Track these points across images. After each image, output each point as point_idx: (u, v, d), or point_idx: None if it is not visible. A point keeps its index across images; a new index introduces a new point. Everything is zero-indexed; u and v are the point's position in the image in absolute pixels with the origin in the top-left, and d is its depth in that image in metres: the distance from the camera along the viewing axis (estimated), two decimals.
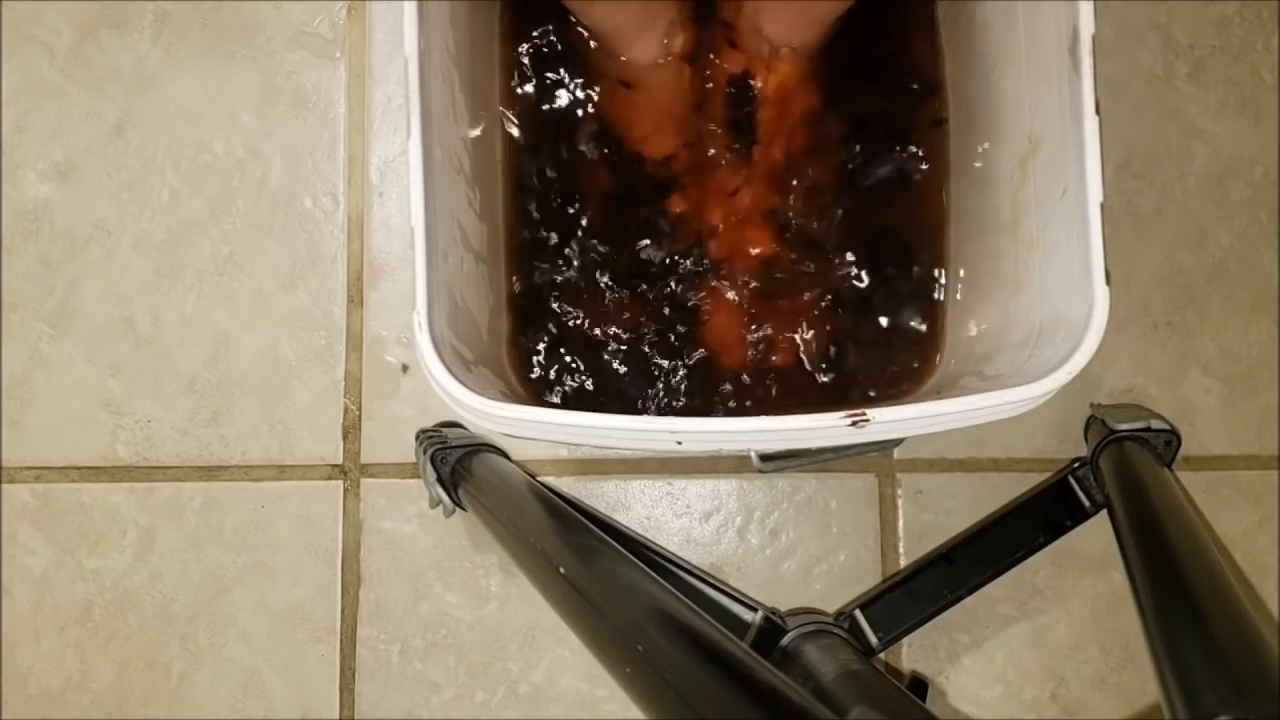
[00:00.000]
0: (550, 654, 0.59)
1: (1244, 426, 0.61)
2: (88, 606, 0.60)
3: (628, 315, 0.56)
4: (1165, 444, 0.55)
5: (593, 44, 0.55)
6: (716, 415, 0.54)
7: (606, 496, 0.60)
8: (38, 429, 0.60)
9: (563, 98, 0.57)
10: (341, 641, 0.59)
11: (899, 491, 0.60)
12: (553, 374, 0.55)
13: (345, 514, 0.60)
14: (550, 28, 0.55)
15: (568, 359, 0.55)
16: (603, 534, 0.43)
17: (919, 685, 0.58)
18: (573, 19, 0.55)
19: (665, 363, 0.55)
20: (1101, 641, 0.60)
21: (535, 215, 0.56)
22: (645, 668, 0.32)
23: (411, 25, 0.42)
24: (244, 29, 0.61)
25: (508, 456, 0.58)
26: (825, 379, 0.55)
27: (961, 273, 0.55)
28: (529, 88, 0.57)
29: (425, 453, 0.54)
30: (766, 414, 0.40)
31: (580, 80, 0.56)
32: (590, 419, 0.40)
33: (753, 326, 0.56)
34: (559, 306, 0.56)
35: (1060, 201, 0.43)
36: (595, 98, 0.56)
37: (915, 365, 0.55)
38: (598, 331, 0.55)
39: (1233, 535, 0.60)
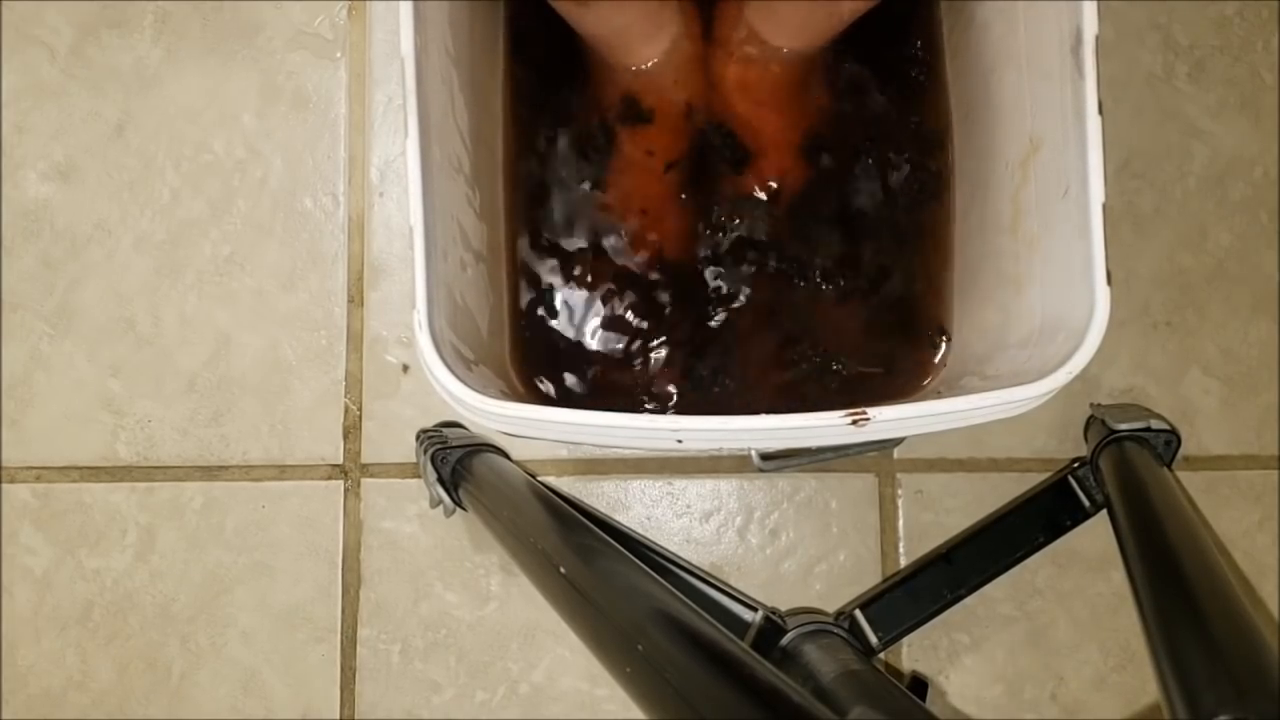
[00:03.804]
0: (550, 654, 0.59)
1: (1244, 426, 0.61)
2: (88, 606, 0.60)
3: (629, 314, 0.56)
4: (1165, 444, 0.55)
5: (592, 47, 0.55)
6: (717, 414, 0.54)
7: (606, 496, 0.60)
8: (38, 429, 0.60)
9: (564, 96, 0.57)
10: (342, 641, 0.59)
11: (899, 491, 0.60)
12: (553, 372, 0.55)
13: (346, 514, 0.60)
14: (552, 27, 0.55)
15: (568, 357, 0.55)
16: (603, 534, 0.43)
17: (919, 685, 0.58)
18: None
19: (667, 361, 0.55)
20: (1101, 641, 0.60)
21: (535, 214, 0.56)
22: (645, 667, 0.32)
23: (408, 25, 0.42)
24: (244, 29, 0.61)
25: (508, 456, 0.58)
26: (826, 379, 0.55)
27: (962, 273, 0.55)
28: (531, 87, 0.57)
29: (425, 452, 0.54)
30: (767, 412, 0.40)
31: (583, 80, 0.56)
32: (591, 417, 0.40)
33: (755, 325, 0.56)
34: (559, 305, 0.56)
35: (1062, 201, 0.43)
36: (597, 98, 0.56)
37: (916, 365, 0.55)
38: (598, 330, 0.55)
39: (1233, 535, 0.60)
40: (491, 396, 0.40)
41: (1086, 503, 0.56)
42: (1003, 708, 0.59)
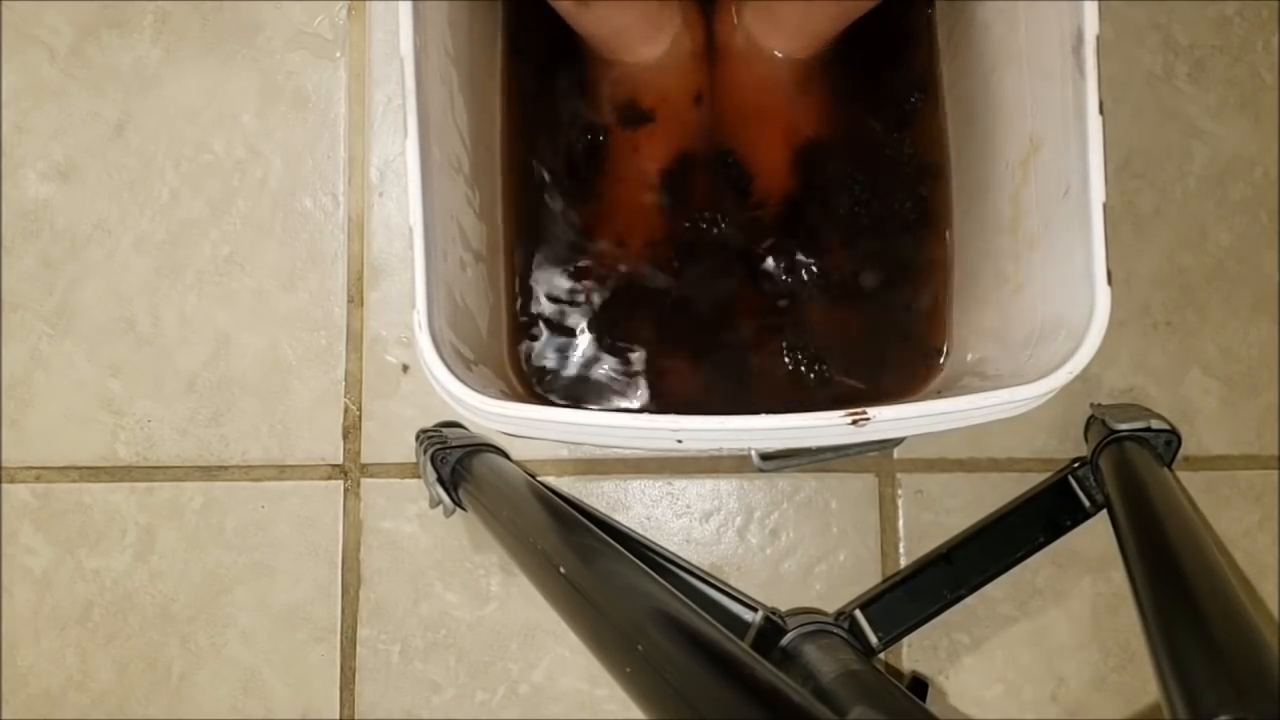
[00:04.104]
0: (550, 654, 0.59)
1: (1244, 426, 0.61)
2: (88, 606, 0.60)
3: (628, 314, 0.56)
4: (1165, 444, 0.55)
5: (592, 48, 0.55)
6: (717, 414, 0.54)
7: (606, 496, 0.60)
8: (38, 429, 0.60)
9: (564, 96, 0.57)
10: (342, 641, 0.59)
11: (899, 491, 0.60)
12: (553, 373, 0.55)
13: (345, 514, 0.60)
14: (552, 28, 0.55)
15: (568, 357, 0.55)
16: (603, 534, 0.43)
17: (919, 685, 0.58)
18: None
19: (667, 361, 0.55)
20: (1101, 641, 0.60)
21: (535, 214, 0.56)
22: (645, 668, 0.32)
23: (407, 25, 0.41)
24: (244, 29, 0.61)
25: (508, 456, 0.58)
26: (826, 379, 0.55)
27: (962, 273, 0.55)
28: (530, 87, 0.57)
29: (425, 452, 0.54)
30: (767, 413, 0.40)
31: (582, 80, 0.56)
32: (591, 417, 0.40)
33: (753, 327, 0.56)
34: (559, 305, 0.55)
35: (1062, 201, 0.43)
36: (597, 99, 0.56)
37: (916, 365, 0.55)
38: (598, 330, 0.55)
39: (1233, 535, 0.60)
40: (491, 396, 0.40)
41: (1086, 503, 0.56)
42: (1003, 708, 0.59)
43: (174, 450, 0.60)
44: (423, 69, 0.42)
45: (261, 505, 0.60)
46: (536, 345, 0.55)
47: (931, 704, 0.59)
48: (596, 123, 0.56)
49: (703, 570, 0.55)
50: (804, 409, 0.40)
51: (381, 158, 0.61)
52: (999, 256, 0.50)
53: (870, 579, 0.60)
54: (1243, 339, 0.61)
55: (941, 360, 0.55)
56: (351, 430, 0.60)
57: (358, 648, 0.59)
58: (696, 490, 0.60)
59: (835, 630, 0.51)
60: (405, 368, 0.60)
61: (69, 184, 0.61)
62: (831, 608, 0.58)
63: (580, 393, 0.55)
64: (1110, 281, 0.40)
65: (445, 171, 0.45)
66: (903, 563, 0.60)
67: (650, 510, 0.60)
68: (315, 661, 0.59)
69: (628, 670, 0.33)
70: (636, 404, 0.55)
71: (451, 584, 0.59)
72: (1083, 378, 0.40)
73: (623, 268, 0.56)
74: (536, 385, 0.55)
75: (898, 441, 0.47)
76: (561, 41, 0.55)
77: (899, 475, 0.60)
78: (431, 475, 0.54)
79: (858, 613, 0.54)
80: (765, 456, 0.45)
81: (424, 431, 0.58)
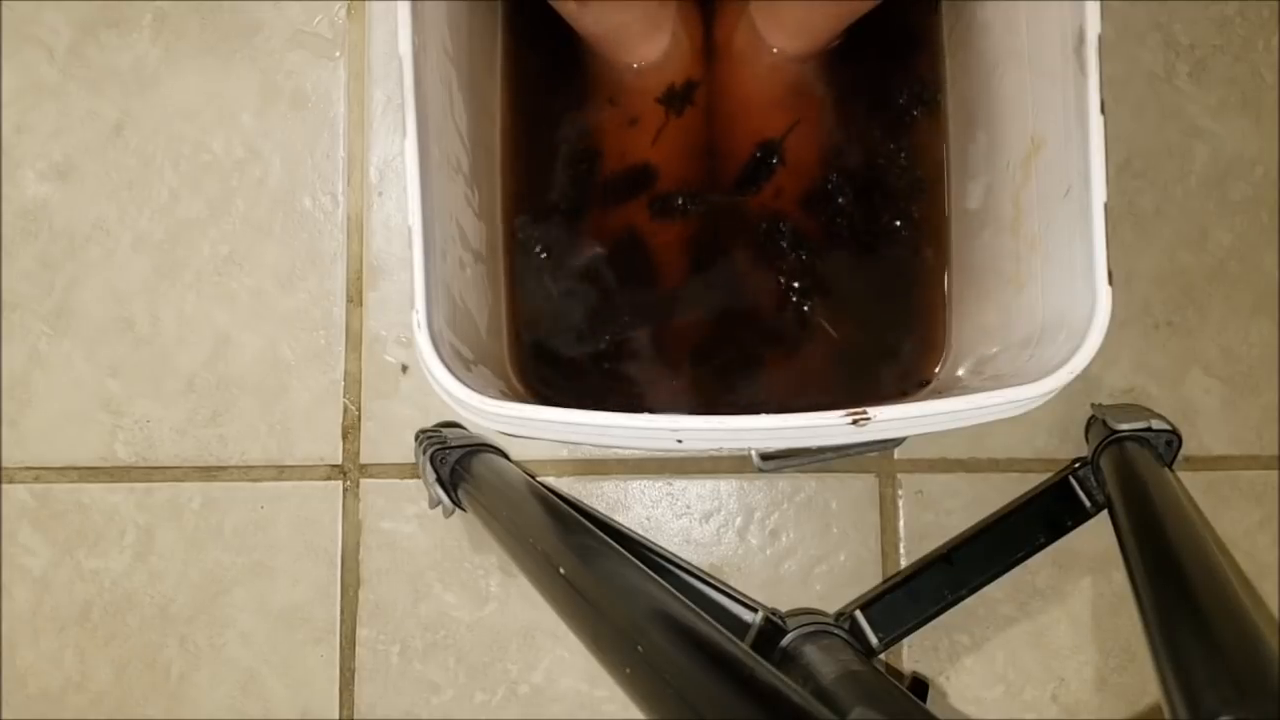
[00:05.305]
0: (550, 654, 0.59)
1: (1244, 426, 0.61)
2: (87, 607, 0.60)
3: (628, 311, 0.55)
4: (1166, 444, 0.54)
5: (591, 47, 0.55)
6: (717, 414, 0.54)
7: (606, 496, 0.60)
8: (37, 429, 0.60)
9: (564, 96, 0.57)
10: (341, 642, 0.59)
11: (899, 491, 0.60)
12: (553, 372, 0.55)
13: (345, 514, 0.60)
14: (551, 26, 0.55)
15: (568, 357, 0.55)
16: (603, 534, 0.42)
17: (919, 686, 0.58)
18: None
19: (667, 361, 0.55)
20: (1102, 642, 0.60)
21: (534, 213, 0.56)
22: (645, 668, 0.32)
23: (406, 25, 0.41)
24: (243, 29, 0.61)
25: (507, 456, 0.58)
26: (825, 379, 0.55)
27: (962, 272, 0.55)
28: (530, 86, 0.57)
29: (425, 453, 0.54)
30: (767, 413, 0.40)
31: (582, 79, 0.56)
32: (590, 417, 0.40)
33: (753, 327, 0.56)
34: (558, 305, 0.55)
35: (1063, 201, 0.43)
36: (596, 98, 0.56)
37: (916, 365, 0.55)
38: (598, 329, 0.55)
39: (1233, 535, 0.60)
40: (490, 396, 0.40)
41: (1087, 503, 0.56)
42: (1003, 708, 0.59)
43: (173, 450, 0.60)
44: (422, 69, 0.42)
45: (260, 505, 0.60)
46: (536, 345, 0.55)
47: (932, 705, 0.59)
48: (596, 122, 0.56)
49: (703, 571, 0.55)
50: (804, 408, 0.40)
51: (381, 157, 0.61)
52: (1000, 256, 0.50)
53: (870, 579, 0.60)
54: (1243, 339, 0.61)
55: (941, 360, 0.55)
56: (351, 430, 0.60)
57: (357, 648, 0.59)
58: (696, 490, 0.60)
59: (835, 631, 0.51)
60: (405, 368, 0.60)
61: (68, 184, 0.61)
62: (832, 608, 0.58)
63: (580, 392, 0.55)
64: (1111, 281, 0.40)
65: (445, 171, 0.45)
66: (903, 563, 0.60)
67: (650, 510, 0.60)
68: (314, 662, 0.59)
69: (628, 670, 0.33)
70: (636, 403, 0.55)
71: (451, 584, 0.59)
72: (1083, 378, 0.40)
73: (621, 266, 0.56)
74: (536, 385, 0.55)
75: (898, 442, 0.47)
76: (561, 41, 0.55)
77: (899, 475, 0.60)
78: (431, 475, 0.54)
79: (858, 613, 0.54)
80: (765, 457, 0.45)
81: (423, 431, 0.58)
